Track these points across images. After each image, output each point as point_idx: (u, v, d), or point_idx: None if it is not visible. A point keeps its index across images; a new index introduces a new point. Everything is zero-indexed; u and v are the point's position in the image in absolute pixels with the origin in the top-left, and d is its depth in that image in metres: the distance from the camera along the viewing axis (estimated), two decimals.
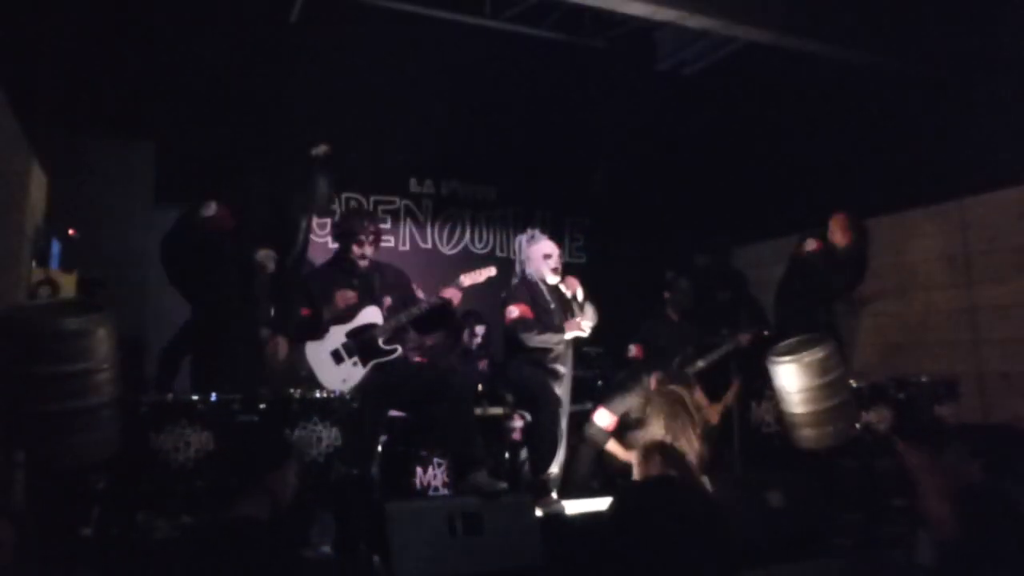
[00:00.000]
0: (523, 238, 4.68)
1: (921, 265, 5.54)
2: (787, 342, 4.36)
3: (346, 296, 4.01)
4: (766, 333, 5.18)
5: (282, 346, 3.93)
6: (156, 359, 4.46)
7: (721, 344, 5.20)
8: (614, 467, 4.64)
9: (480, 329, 5.50)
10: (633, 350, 5.39)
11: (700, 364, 5.11)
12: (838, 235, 5.10)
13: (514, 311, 4.38)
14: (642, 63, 6.01)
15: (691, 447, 3.60)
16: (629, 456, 4.43)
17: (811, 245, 5.18)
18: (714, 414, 4.89)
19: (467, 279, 4.09)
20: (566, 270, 4.76)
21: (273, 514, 2.50)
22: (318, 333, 3.94)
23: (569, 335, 4.45)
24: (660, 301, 5.47)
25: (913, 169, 5.44)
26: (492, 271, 4.18)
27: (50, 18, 4.40)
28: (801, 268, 5.22)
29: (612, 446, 4.65)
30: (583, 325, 4.43)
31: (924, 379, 4.62)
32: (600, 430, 4.68)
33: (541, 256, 4.53)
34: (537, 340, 4.37)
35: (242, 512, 2.46)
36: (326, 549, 3.26)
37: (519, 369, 4.43)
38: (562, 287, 4.59)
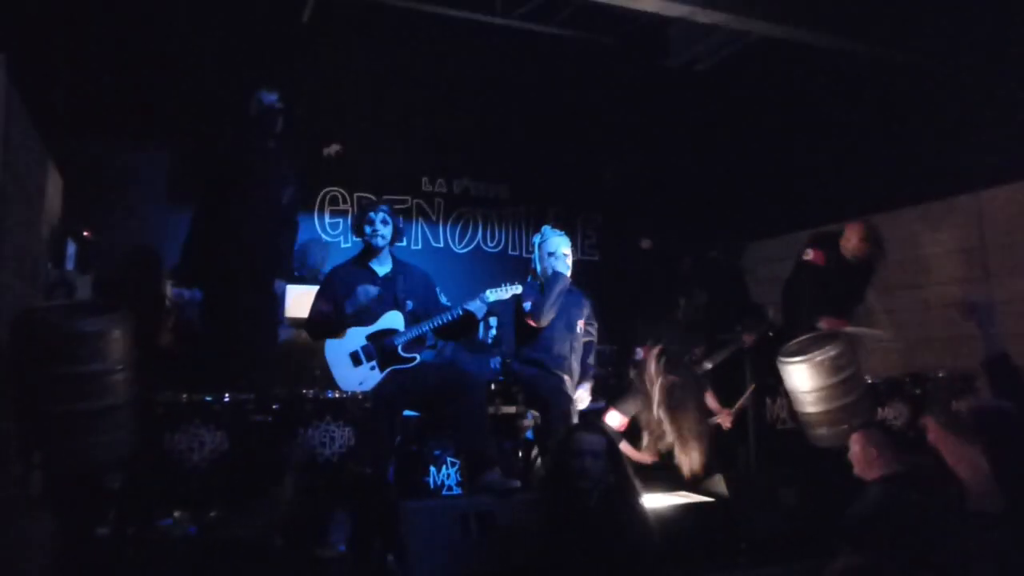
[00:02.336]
0: (536, 238, 4.60)
1: (937, 259, 5.49)
2: (797, 341, 4.30)
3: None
4: (770, 333, 5.11)
5: None
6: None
7: (726, 344, 5.15)
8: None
9: (494, 321, 5.44)
10: (640, 353, 5.35)
11: (707, 365, 5.07)
12: (853, 243, 4.73)
13: (528, 304, 4.35)
14: (654, 59, 5.96)
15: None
16: (640, 457, 4.48)
17: (809, 255, 4.84)
18: (726, 419, 4.84)
19: (492, 294, 4.11)
20: (580, 268, 4.68)
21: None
22: (339, 331, 3.95)
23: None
24: (674, 306, 5.42)
25: (929, 162, 5.38)
26: (518, 289, 4.20)
27: (64, 24, 4.43)
28: (804, 272, 4.93)
29: (624, 447, 4.63)
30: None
31: (941, 374, 4.58)
32: (612, 431, 4.65)
33: (547, 254, 4.47)
34: (546, 317, 4.29)
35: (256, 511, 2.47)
36: (342, 548, 3.27)
37: (525, 369, 4.39)
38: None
